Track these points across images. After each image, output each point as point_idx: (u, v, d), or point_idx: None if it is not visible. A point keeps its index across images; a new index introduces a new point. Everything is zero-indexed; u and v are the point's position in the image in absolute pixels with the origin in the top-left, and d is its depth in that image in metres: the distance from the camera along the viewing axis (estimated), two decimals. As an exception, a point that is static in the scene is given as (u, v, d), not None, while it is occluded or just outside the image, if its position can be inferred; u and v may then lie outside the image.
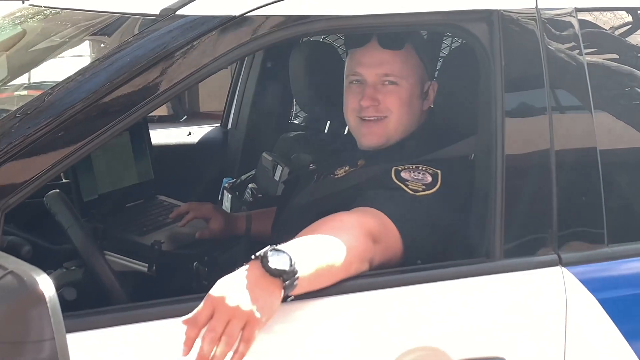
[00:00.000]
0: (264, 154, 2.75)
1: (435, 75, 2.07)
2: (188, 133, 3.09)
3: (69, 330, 1.37)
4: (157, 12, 1.61)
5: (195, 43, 1.55)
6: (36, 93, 1.64)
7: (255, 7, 1.58)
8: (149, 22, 1.61)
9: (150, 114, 1.58)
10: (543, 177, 1.70)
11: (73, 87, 1.53)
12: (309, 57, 2.37)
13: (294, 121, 3.14)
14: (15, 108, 1.54)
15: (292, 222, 1.93)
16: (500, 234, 1.67)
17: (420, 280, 1.64)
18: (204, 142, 3.07)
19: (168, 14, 1.60)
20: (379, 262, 1.64)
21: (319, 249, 1.49)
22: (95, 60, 1.62)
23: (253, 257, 1.41)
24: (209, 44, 1.55)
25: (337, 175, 1.95)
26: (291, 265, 1.39)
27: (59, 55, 1.87)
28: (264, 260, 1.39)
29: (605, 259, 1.74)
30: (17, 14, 2.16)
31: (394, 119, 1.92)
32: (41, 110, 1.50)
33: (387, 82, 1.91)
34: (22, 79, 2.24)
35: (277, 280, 1.38)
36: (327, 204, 1.85)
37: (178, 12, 1.60)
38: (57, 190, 1.89)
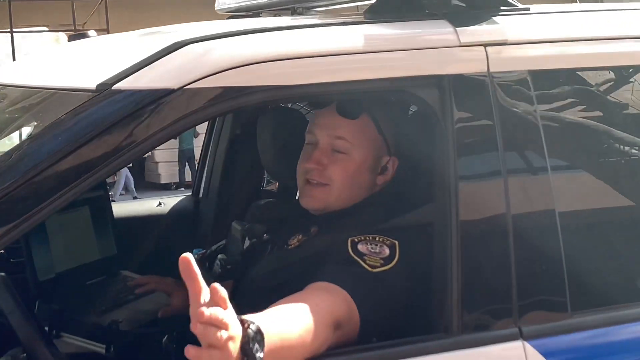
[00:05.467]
0: (234, 224, 2.68)
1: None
2: (158, 203, 3.03)
3: None
4: (94, 87, 1.56)
5: (132, 117, 1.51)
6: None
7: (193, 79, 1.54)
8: (86, 97, 1.56)
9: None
10: (500, 243, 1.63)
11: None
12: (276, 124, 2.33)
13: (267, 187, 3.09)
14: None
15: (249, 296, 1.87)
16: (457, 307, 1.60)
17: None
18: (174, 212, 3.01)
19: (104, 88, 1.55)
20: (335, 344, 1.56)
21: (283, 337, 1.40)
22: (31, 137, 1.57)
23: None
24: (147, 117, 1.51)
25: (291, 245, 1.89)
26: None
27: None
28: None
29: (570, 330, 1.65)
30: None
31: (335, 189, 1.87)
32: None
33: (336, 150, 1.88)
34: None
35: None
36: (282, 276, 1.80)
37: (114, 87, 1.55)
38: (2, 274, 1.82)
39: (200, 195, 3.07)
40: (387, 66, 1.66)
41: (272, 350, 1.34)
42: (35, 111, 1.72)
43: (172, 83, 1.53)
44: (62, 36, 9.39)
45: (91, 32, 2.13)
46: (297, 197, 2.80)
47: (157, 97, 1.52)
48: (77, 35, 2.13)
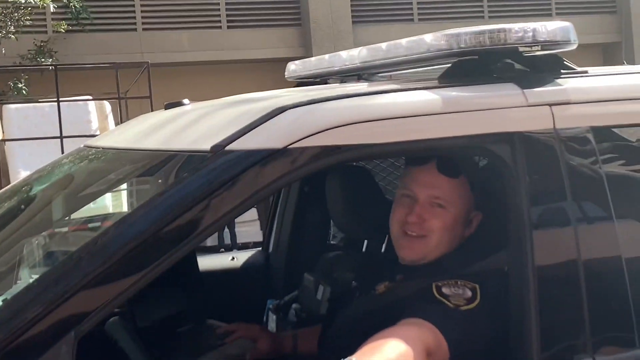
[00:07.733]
0: (306, 274, 2.85)
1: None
2: (231, 258, 3.22)
3: None
4: (208, 149, 1.77)
5: (245, 174, 1.71)
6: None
7: (295, 139, 1.74)
8: (201, 159, 1.77)
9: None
10: (573, 286, 1.80)
11: (132, 221, 1.69)
12: (344, 181, 2.51)
13: (332, 242, 3.26)
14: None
15: (339, 339, 2.04)
16: (537, 343, 1.76)
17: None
18: (246, 266, 3.20)
19: (218, 149, 1.75)
20: None
21: None
22: (155, 196, 1.77)
23: None
24: (257, 174, 1.72)
25: (378, 290, 2.05)
26: None
27: (117, 191, 2.04)
28: None
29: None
30: (77, 155, 2.35)
31: (434, 240, 2.01)
32: (106, 243, 1.66)
33: (435, 204, 2.01)
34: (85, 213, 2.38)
35: None
36: (372, 319, 1.94)
37: (227, 148, 1.75)
38: (117, 317, 2.01)
39: (270, 249, 3.26)
40: (465, 125, 1.85)
41: None
42: (156, 171, 1.93)
43: (277, 143, 1.74)
44: (106, 104, 9.64)
45: (185, 100, 2.34)
46: (363, 250, 3.00)
47: (264, 156, 1.73)
48: (172, 103, 2.34)
